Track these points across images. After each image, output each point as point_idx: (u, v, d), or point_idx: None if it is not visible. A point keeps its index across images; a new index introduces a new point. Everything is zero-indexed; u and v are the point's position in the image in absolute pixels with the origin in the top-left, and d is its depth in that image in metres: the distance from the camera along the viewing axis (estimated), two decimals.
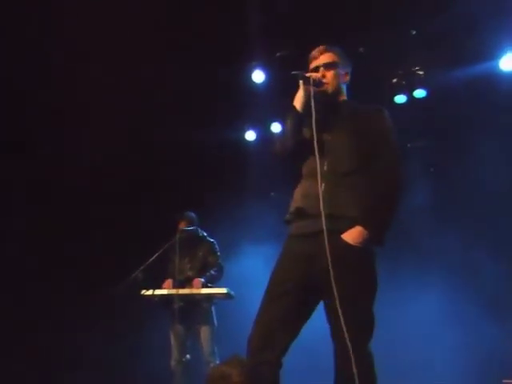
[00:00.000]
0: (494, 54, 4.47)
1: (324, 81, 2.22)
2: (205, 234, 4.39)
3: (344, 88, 2.31)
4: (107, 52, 4.31)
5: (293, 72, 2.20)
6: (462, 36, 4.32)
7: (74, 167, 5.04)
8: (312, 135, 2.12)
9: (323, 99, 2.24)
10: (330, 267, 1.97)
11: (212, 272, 4.21)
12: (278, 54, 4.92)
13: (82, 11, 4.03)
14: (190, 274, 4.21)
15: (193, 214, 4.37)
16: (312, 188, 2.11)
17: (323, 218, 2.00)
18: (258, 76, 5.07)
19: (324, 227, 2.00)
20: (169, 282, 4.08)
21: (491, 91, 4.51)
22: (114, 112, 4.65)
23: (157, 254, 3.82)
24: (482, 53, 4.46)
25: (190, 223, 4.27)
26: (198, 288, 4.04)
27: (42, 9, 4.00)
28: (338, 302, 1.95)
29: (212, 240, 4.39)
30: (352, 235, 2.06)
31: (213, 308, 4.20)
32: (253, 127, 5.64)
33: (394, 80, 4.91)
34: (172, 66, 4.63)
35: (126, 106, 4.71)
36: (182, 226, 4.21)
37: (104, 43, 4.22)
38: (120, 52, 4.32)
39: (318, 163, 2.07)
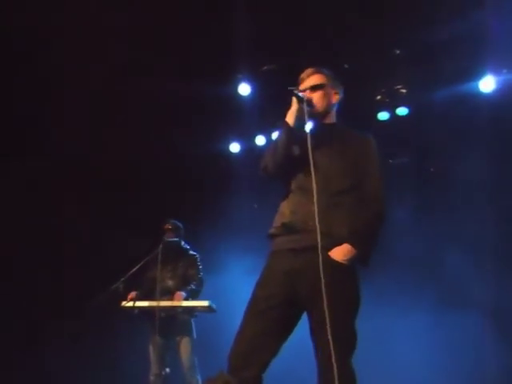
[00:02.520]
0: (475, 75, 4.59)
1: (313, 102, 2.26)
2: (188, 247, 4.37)
3: (333, 109, 2.34)
4: (94, 65, 4.30)
5: (289, 88, 2.23)
6: (444, 57, 4.43)
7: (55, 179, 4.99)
8: (302, 151, 2.16)
9: (313, 119, 2.28)
10: (323, 284, 1.98)
11: (192, 286, 4.18)
12: (264, 68, 4.98)
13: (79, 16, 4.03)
14: (170, 283, 4.19)
15: (179, 223, 4.35)
16: (301, 204, 2.13)
17: (318, 234, 2.03)
18: (244, 89, 5.11)
19: (319, 243, 2.02)
20: (132, 294, 4.01)
21: (471, 111, 4.63)
22: (100, 123, 4.64)
23: (139, 266, 3.79)
24: (463, 74, 4.59)
25: (176, 231, 4.25)
26: (179, 301, 4.01)
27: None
28: (328, 319, 1.97)
29: (194, 253, 4.37)
30: (339, 252, 2.09)
31: (192, 321, 4.17)
32: (237, 139, 5.66)
33: (378, 97, 5.00)
34: (158, 78, 4.63)
35: (112, 117, 4.69)
36: (168, 230, 4.20)
37: (93, 55, 4.22)
38: (105, 64, 4.32)
39: (313, 177, 2.10)
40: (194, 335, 4.14)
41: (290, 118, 2.25)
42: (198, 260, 4.33)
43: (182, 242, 4.34)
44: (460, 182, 4.62)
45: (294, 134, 2.22)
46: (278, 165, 2.21)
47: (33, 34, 4.08)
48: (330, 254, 2.09)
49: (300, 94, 2.22)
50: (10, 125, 4.70)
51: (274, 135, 5.19)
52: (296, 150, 2.22)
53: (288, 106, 2.28)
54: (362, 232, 2.13)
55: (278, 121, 2.30)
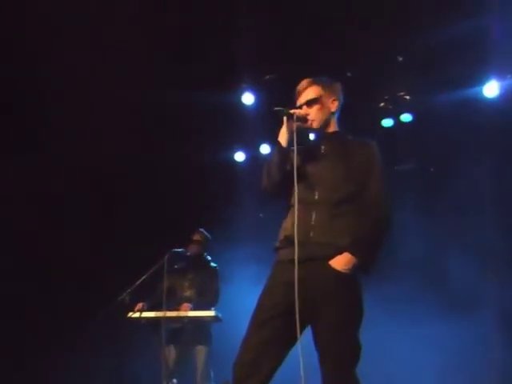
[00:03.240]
0: (479, 80, 4.58)
1: (308, 117, 2.24)
2: (209, 259, 4.39)
3: (333, 117, 2.32)
4: (96, 75, 4.34)
5: (275, 108, 2.21)
6: (447, 62, 4.43)
7: (63, 189, 5.00)
8: (299, 167, 2.15)
9: (309, 133, 2.28)
10: (296, 297, 1.99)
11: (205, 299, 4.19)
12: (267, 77, 5.00)
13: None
14: (188, 293, 4.22)
15: (208, 235, 4.38)
16: (301, 216, 2.12)
17: (296, 246, 2.03)
18: (248, 98, 5.14)
19: (295, 254, 2.03)
20: (139, 305, 4.00)
21: (475, 116, 4.61)
22: (100, 132, 4.66)
23: (144, 277, 3.79)
24: (467, 79, 4.58)
25: (203, 243, 4.28)
26: (185, 311, 4.01)
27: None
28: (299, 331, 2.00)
29: (215, 265, 4.39)
30: (339, 261, 2.08)
31: (212, 331, 4.17)
32: (242, 148, 5.68)
33: (381, 104, 5.00)
34: (162, 88, 4.66)
35: (114, 127, 4.71)
36: (195, 242, 4.23)
37: (93, 66, 4.26)
38: (108, 71, 4.35)
39: (296, 196, 2.11)
40: (212, 345, 4.13)
41: (282, 138, 2.23)
42: (218, 273, 4.34)
43: (205, 254, 4.37)
44: (465, 187, 4.59)
45: (287, 154, 2.21)
46: (275, 185, 2.21)
47: (33, 34, 4.12)
48: (330, 263, 2.08)
49: (290, 110, 2.19)
50: (9, 124, 4.73)
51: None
52: (293, 167, 2.19)
53: (280, 124, 2.25)
54: (363, 240, 2.11)
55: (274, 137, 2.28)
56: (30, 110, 4.78)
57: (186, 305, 4.05)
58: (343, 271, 2.07)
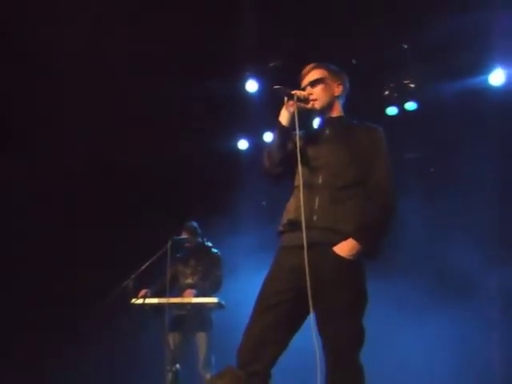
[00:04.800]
0: (484, 69, 4.54)
1: (311, 97, 2.22)
2: (210, 245, 4.42)
3: (338, 101, 2.30)
4: (96, 62, 4.32)
5: (275, 87, 2.18)
6: (453, 50, 4.40)
7: (65, 178, 5.00)
8: (302, 149, 2.14)
9: (311, 114, 2.27)
10: (308, 285, 2.00)
11: (208, 284, 4.22)
12: (270, 65, 4.97)
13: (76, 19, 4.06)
14: (190, 280, 4.26)
15: (194, 224, 4.40)
16: (307, 200, 2.12)
17: (303, 230, 2.04)
18: (251, 86, 5.11)
19: (304, 239, 2.03)
20: (143, 291, 4.03)
21: (480, 105, 4.58)
22: (100, 123, 4.66)
23: (148, 263, 3.80)
24: (473, 67, 4.54)
25: (192, 233, 4.30)
26: (188, 298, 4.04)
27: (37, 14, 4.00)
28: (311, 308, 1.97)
29: (217, 251, 4.42)
30: (344, 248, 2.08)
31: (213, 317, 4.20)
32: (245, 136, 5.67)
33: (386, 92, 4.97)
34: (165, 76, 4.65)
35: (114, 117, 4.70)
36: (185, 235, 4.25)
37: (94, 54, 4.24)
38: (108, 60, 4.33)
39: (300, 178, 2.11)
40: (212, 331, 4.17)
41: (283, 117, 2.21)
42: (220, 259, 4.37)
43: (205, 240, 4.41)
44: (470, 176, 4.58)
45: (288, 132, 2.19)
46: (275, 164, 2.20)
47: (32, 33, 4.10)
48: (334, 249, 2.08)
49: (292, 91, 2.17)
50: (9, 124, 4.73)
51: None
52: (295, 148, 2.18)
53: (280, 104, 2.23)
54: (367, 226, 2.10)
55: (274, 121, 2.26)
56: (29, 110, 4.78)
57: (189, 291, 4.08)
58: (347, 257, 2.07)
